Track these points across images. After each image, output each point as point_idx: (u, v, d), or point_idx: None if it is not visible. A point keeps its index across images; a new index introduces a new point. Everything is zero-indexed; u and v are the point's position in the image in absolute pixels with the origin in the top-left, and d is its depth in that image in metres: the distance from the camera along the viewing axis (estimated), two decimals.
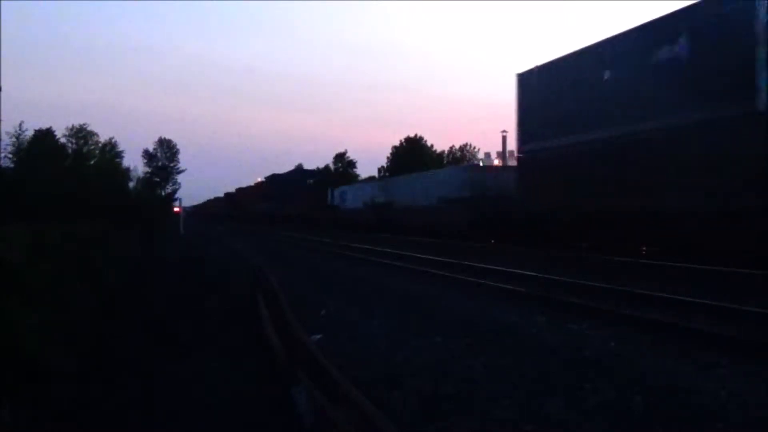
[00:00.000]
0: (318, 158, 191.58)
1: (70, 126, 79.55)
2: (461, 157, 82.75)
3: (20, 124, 63.96)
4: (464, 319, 8.34)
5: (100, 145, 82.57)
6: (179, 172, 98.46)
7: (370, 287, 11.96)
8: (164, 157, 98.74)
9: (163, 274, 14.69)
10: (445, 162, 78.80)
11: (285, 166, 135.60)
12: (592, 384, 5.32)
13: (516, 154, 21.55)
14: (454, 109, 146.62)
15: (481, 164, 38.95)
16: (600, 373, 5.68)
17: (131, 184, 67.02)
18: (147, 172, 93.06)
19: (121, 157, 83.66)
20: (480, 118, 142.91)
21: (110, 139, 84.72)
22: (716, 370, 5.68)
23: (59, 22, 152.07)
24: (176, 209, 51.23)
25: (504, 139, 40.62)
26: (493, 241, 21.54)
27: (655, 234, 14.00)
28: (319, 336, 7.35)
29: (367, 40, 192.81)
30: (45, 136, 64.82)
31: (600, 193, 15.32)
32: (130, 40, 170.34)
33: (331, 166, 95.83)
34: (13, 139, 62.13)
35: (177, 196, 74.02)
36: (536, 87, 18.89)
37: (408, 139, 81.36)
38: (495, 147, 70.04)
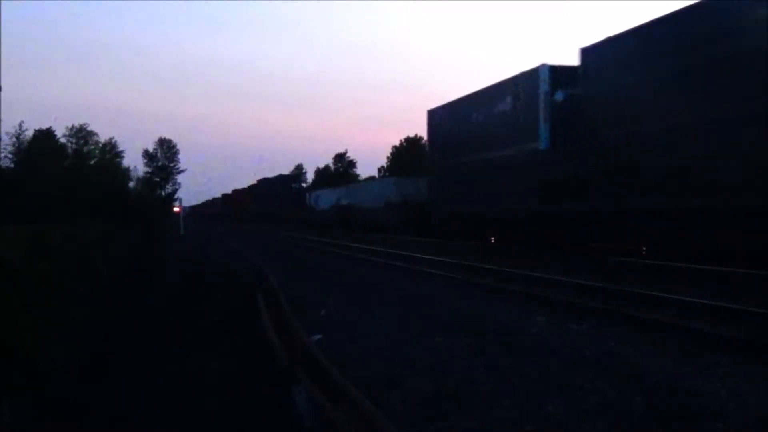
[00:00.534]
0: (318, 158, 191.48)
1: (70, 126, 79.62)
2: None
3: (20, 124, 63.95)
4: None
5: (100, 145, 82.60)
6: (179, 172, 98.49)
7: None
8: (164, 157, 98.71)
9: (163, 274, 14.69)
10: None
11: (285, 166, 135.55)
12: (592, 384, 5.32)
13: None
14: None
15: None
16: (598, 372, 5.69)
17: (131, 184, 67.04)
18: (147, 172, 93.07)
19: (121, 157, 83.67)
20: None
21: (110, 139, 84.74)
22: (716, 370, 5.68)
23: (59, 22, 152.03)
24: (176, 209, 51.30)
25: None
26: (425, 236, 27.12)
27: (514, 228, 20.43)
28: (319, 336, 7.35)
29: (367, 40, 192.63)
30: (45, 136, 64.79)
31: (479, 200, 21.73)
32: (130, 40, 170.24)
33: (331, 166, 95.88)
34: (13, 139, 62.15)
35: (177, 196, 74.17)
36: (440, 120, 25.35)
37: (408, 139, 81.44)
38: None
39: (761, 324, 7.20)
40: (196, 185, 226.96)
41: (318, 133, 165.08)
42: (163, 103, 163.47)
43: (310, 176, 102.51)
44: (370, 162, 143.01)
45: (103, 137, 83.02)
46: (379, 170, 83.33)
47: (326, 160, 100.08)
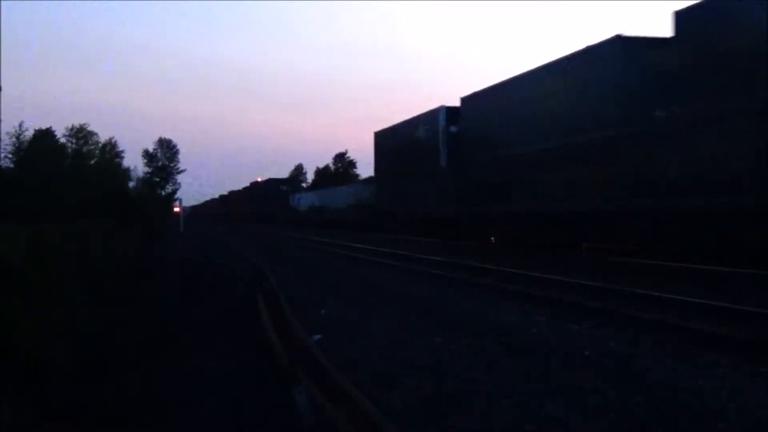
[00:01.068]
0: (318, 158, 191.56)
1: (70, 126, 79.60)
2: None
3: (20, 124, 63.94)
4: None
5: (100, 145, 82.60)
6: (179, 172, 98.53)
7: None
8: (164, 157, 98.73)
9: (164, 274, 14.69)
10: None
11: (285, 166, 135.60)
12: (592, 384, 5.32)
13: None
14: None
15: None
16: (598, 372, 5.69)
17: (131, 184, 67.01)
18: (147, 172, 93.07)
19: (121, 157, 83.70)
20: None
21: (110, 139, 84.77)
22: (716, 370, 5.68)
23: (59, 22, 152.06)
24: (176, 209, 51.34)
25: None
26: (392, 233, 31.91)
27: (425, 225, 26.49)
28: (319, 336, 7.35)
29: (367, 40, 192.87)
30: (45, 136, 64.78)
31: (404, 203, 28.81)
32: (130, 40, 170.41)
33: (332, 166, 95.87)
34: (13, 139, 62.15)
35: (177, 196, 74.20)
36: (382, 140, 32.61)
37: None
38: None
39: (761, 324, 7.20)
40: (196, 185, 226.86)
41: (318, 133, 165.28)
42: (163, 103, 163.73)
43: (310, 176, 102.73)
44: (370, 162, 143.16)
45: (103, 137, 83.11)
46: None
47: (326, 160, 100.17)
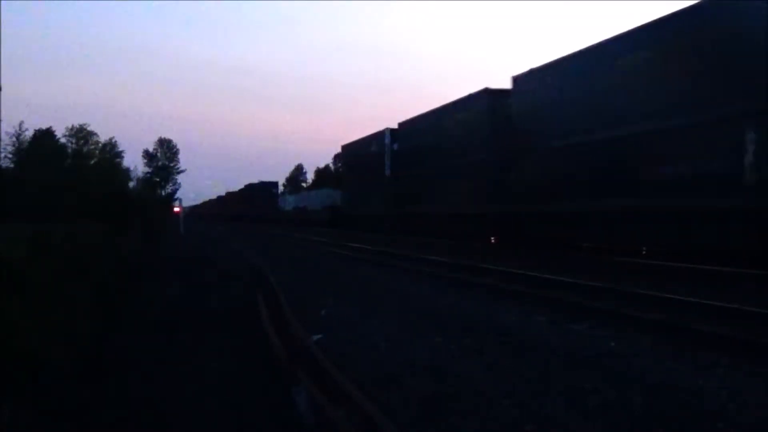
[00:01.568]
0: (318, 158, 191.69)
1: (70, 126, 79.63)
2: None
3: (20, 124, 63.99)
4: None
5: (100, 145, 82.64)
6: (179, 172, 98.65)
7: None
8: (164, 157, 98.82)
9: (164, 273, 14.71)
10: None
11: (285, 166, 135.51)
12: (592, 384, 5.32)
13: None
14: None
15: None
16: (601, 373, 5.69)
17: (131, 184, 67.02)
18: (147, 172, 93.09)
19: (121, 157, 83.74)
20: None
21: (110, 139, 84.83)
22: (716, 370, 5.68)
23: (59, 22, 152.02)
24: (176, 209, 51.32)
25: None
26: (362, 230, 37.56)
27: (375, 224, 33.63)
28: (319, 336, 7.36)
29: (367, 40, 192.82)
30: (45, 136, 64.80)
31: (359, 206, 36.81)
32: (130, 40, 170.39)
33: (332, 166, 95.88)
34: (13, 139, 62.19)
35: (177, 196, 74.22)
36: (345, 153, 41.16)
37: None
38: None
39: (761, 324, 7.20)
40: (196, 185, 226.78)
41: (318, 133, 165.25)
42: (163, 103, 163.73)
43: (310, 176, 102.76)
44: None
45: (103, 137, 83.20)
46: None
47: (326, 160, 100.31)
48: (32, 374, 4.87)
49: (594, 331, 7.50)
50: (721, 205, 12.56)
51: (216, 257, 20.18)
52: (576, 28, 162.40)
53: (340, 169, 60.99)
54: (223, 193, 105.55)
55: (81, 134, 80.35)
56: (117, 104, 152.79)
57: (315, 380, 5.21)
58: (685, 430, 4.38)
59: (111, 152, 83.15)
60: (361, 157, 36.66)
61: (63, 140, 72.99)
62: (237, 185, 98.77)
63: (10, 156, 54.02)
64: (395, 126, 31.49)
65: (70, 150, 71.46)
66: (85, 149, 78.16)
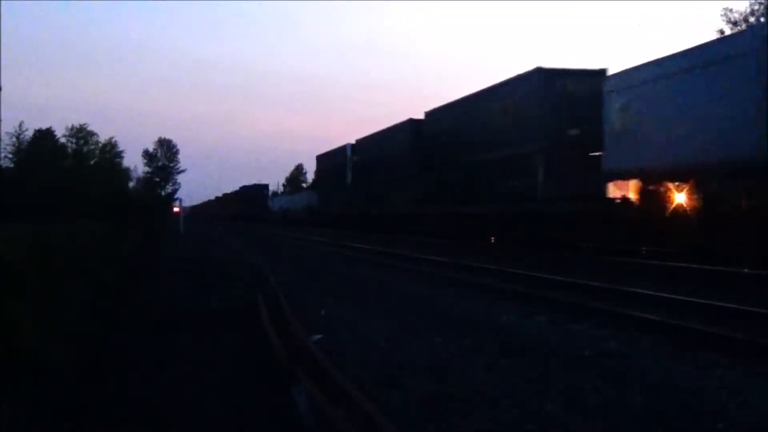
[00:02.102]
0: None
1: (70, 126, 79.62)
2: None
3: (20, 124, 64.06)
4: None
5: (100, 145, 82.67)
6: (179, 172, 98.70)
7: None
8: (164, 157, 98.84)
9: (164, 273, 14.71)
10: None
11: (285, 166, 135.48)
12: (592, 384, 5.32)
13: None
14: None
15: None
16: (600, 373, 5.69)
17: (131, 184, 67.11)
18: (147, 172, 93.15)
19: (121, 157, 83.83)
20: None
21: (110, 139, 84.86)
22: (716, 370, 5.68)
23: (59, 22, 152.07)
24: (176, 209, 51.32)
25: None
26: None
27: (341, 223, 40.95)
28: (319, 336, 7.36)
29: (367, 40, 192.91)
30: (45, 136, 64.84)
31: (329, 207, 45.19)
32: (130, 40, 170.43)
33: None
34: (13, 139, 62.24)
35: (177, 196, 74.24)
36: (322, 160, 47.92)
37: None
38: None
39: (761, 324, 7.20)
40: (196, 185, 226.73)
41: (318, 132, 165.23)
42: (163, 103, 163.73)
43: (310, 176, 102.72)
44: None
45: (103, 137, 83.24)
46: None
47: None
48: (32, 374, 4.87)
49: (594, 331, 7.50)
50: (528, 211, 19.55)
51: (215, 257, 20.14)
52: (576, 28, 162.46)
53: (315, 176, 67.43)
54: (221, 194, 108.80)
55: (81, 134, 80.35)
56: (117, 104, 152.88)
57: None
58: (685, 430, 4.38)
59: (111, 152, 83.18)
60: (330, 166, 44.82)
61: (63, 140, 73.03)
62: (237, 185, 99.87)
63: (10, 156, 54.04)
64: (355, 141, 39.66)
65: (70, 150, 71.47)
66: (85, 149, 78.18)
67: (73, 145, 76.51)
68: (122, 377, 5.69)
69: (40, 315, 5.73)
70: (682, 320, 7.59)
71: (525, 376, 5.62)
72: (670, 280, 11.20)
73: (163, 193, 79.86)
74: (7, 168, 42.07)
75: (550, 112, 18.67)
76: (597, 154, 17.23)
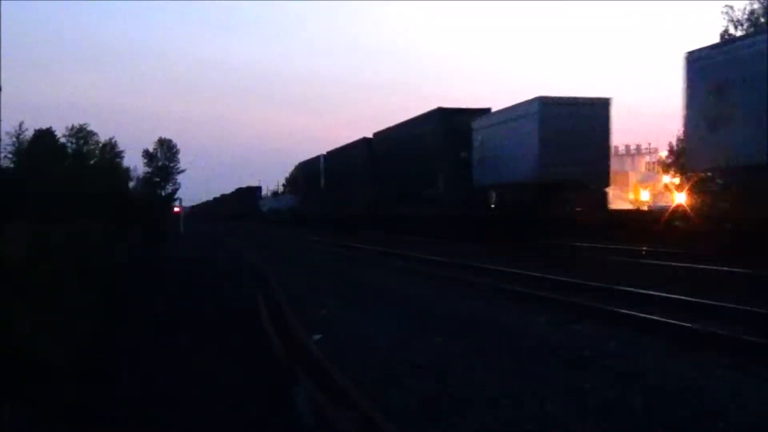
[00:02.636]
0: None
1: (70, 126, 79.57)
2: None
3: (20, 124, 64.04)
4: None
5: (100, 145, 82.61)
6: (179, 172, 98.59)
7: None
8: (164, 157, 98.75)
9: (164, 273, 14.73)
10: None
11: (285, 166, 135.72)
12: (591, 384, 5.32)
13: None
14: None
15: None
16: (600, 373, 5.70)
17: (131, 184, 67.04)
18: (147, 172, 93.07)
19: (121, 157, 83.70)
20: None
21: (110, 139, 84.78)
22: (716, 370, 5.68)
23: (59, 22, 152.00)
24: (176, 209, 51.32)
25: None
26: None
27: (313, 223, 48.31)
28: (319, 336, 7.37)
29: (368, 41, 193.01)
30: (45, 136, 64.82)
31: (308, 208, 52.03)
32: (130, 40, 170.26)
33: None
34: (13, 139, 62.23)
35: (177, 196, 74.15)
36: (301, 167, 56.36)
37: None
38: None
39: (761, 324, 7.20)
40: (196, 185, 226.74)
41: (318, 133, 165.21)
42: (163, 103, 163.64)
43: None
44: None
45: (103, 137, 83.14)
46: None
47: None
48: (32, 374, 4.87)
49: (594, 331, 7.50)
50: (436, 213, 26.08)
51: (213, 256, 20.27)
52: (575, 28, 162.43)
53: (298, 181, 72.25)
54: (219, 194, 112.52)
55: (81, 134, 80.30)
56: (117, 104, 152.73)
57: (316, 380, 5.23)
58: (685, 430, 4.38)
59: (111, 152, 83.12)
60: (307, 173, 51.87)
61: (63, 140, 72.97)
62: (237, 185, 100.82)
63: (10, 156, 54.05)
64: (326, 153, 45.98)
65: (70, 150, 71.43)
66: (85, 149, 78.12)
67: (73, 145, 76.47)
68: (122, 377, 5.69)
69: (40, 315, 5.73)
70: (682, 320, 7.59)
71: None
72: (670, 280, 11.20)
73: (163, 193, 79.78)
74: (7, 168, 42.00)
75: (448, 141, 25.40)
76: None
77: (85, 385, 5.24)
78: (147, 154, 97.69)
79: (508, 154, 21.51)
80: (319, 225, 44.36)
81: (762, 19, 34.26)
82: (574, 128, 19.47)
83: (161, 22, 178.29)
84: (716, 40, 33.00)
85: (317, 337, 7.24)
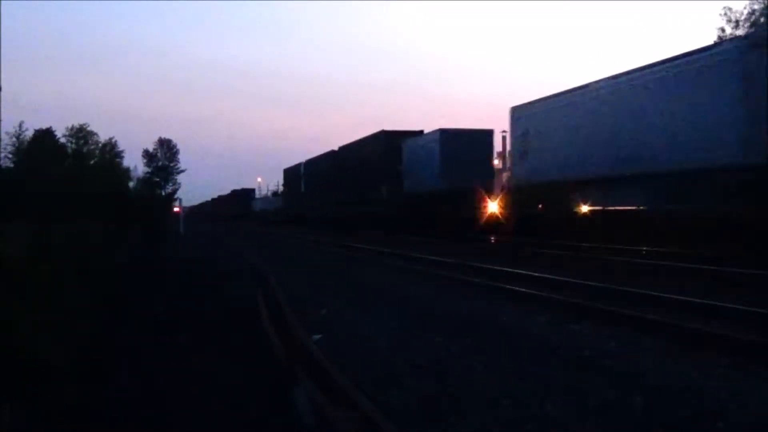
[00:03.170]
0: None
1: (70, 126, 79.51)
2: None
3: (20, 124, 64.01)
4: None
5: (100, 145, 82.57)
6: (179, 172, 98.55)
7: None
8: (164, 157, 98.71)
9: (164, 272, 14.72)
10: None
11: (285, 166, 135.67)
12: (591, 384, 5.32)
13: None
14: (454, 109, 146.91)
15: None
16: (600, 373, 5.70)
17: (131, 184, 66.97)
18: (147, 172, 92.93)
19: (121, 157, 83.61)
20: (480, 118, 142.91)
21: (110, 139, 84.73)
22: (716, 370, 5.68)
23: (60, 22, 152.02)
24: (176, 209, 51.31)
25: (504, 139, 41.38)
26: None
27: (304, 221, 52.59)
28: (319, 336, 7.38)
29: (368, 41, 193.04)
30: (45, 136, 64.75)
31: (291, 209, 58.81)
32: (130, 40, 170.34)
33: None
34: (13, 139, 62.21)
35: (177, 196, 74.13)
36: (288, 172, 60.99)
37: None
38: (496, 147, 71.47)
39: (761, 324, 7.20)
40: (196, 185, 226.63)
41: (318, 133, 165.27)
42: (163, 103, 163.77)
43: None
44: None
45: (103, 137, 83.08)
46: None
47: None
48: (32, 374, 4.87)
49: (594, 331, 7.50)
50: (382, 213, 32.50)
51: (213, 256, 20.30)
52: (575, 28, 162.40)
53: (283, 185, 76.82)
54: (216, 196, 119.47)
55: (81, 134, 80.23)
56: (117, 104, 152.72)
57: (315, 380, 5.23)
58: (685, 430, 4.38)
59: (111, 152, 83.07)
60: (291, 178, 57.93)
61: (63, 140, 72.90)
62: (236, 185, 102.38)
63: (10, 156, 54.02)
64: (305, 160, 51.86)
65: (70, 150, 71.35)
66: (85, 149, 78.04)
67: (73, 145, 76.39)
68: (122, 377, 5.69)
69: (40, 315, 5.73)
70: (682, 320, 7.59)
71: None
72: (670, 280, 11.20)
73: (163, 193, 79.72)
74: (7, 168, 42.00)
75: (389, 157, 31.86)
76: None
77: (85, 385, 5.24)
78: (147, 154, 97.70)
79: (421, 169, 29.60)
80: (299, 224, 50.49)
81: (762, 19, 34.24)
82: (466, 151, 27.16)
83: (161, 23, 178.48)
84: (715, 40, 33.08)
85: (317, 337, 7.25)
